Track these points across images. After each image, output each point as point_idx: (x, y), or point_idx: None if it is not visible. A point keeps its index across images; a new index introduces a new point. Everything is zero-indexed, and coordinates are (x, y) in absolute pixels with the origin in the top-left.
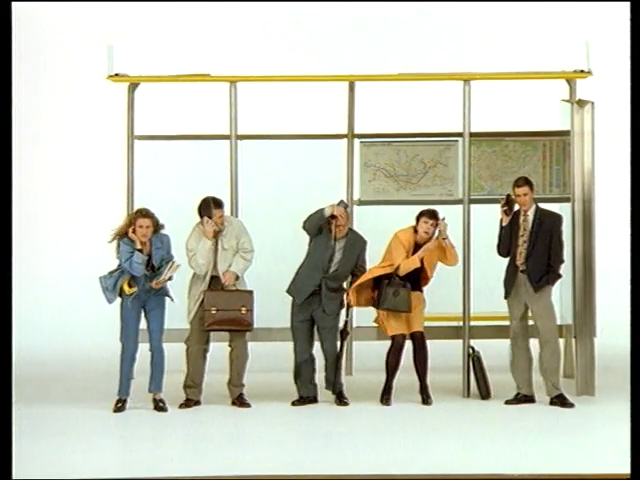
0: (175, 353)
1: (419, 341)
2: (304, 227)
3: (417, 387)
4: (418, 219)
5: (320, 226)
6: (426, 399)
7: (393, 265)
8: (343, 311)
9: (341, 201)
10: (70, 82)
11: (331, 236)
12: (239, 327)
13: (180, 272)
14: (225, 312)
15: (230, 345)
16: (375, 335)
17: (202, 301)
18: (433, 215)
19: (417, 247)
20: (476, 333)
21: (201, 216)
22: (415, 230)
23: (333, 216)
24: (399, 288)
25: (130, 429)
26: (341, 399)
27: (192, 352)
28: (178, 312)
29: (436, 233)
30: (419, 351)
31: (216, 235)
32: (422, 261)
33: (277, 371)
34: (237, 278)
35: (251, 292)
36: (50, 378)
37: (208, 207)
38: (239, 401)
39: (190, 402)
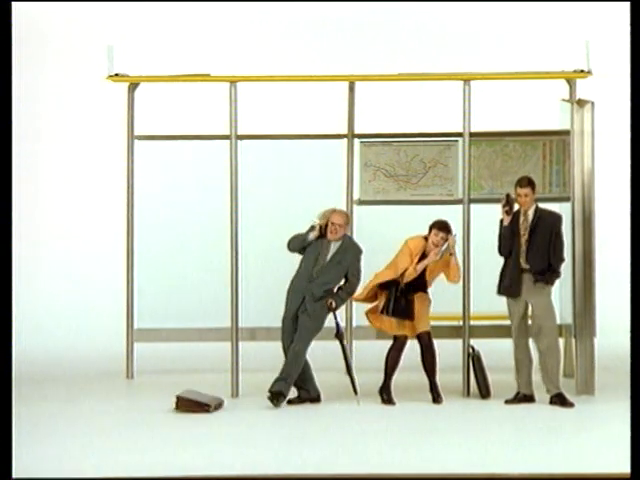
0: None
1: (426, 341)
2: (288, 247)
3: (416, 386)
4: (430, 229)
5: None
6: (436, 397)
7: (397, 271)
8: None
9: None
10: (70, 82)
11: (319, 244)
12: None
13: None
14: None
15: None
16: (375, 334)
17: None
18: (444, 228)
19: (424, 257)
20: (476, 333)
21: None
22: (426, 239)
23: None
24: (403, 296)
25: (130, 429)
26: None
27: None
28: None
29: (444, 246)
30: (426, 351)
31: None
32: (424, 270)
33: (276, 371)
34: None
35: None
36: (50, 378)
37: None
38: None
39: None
